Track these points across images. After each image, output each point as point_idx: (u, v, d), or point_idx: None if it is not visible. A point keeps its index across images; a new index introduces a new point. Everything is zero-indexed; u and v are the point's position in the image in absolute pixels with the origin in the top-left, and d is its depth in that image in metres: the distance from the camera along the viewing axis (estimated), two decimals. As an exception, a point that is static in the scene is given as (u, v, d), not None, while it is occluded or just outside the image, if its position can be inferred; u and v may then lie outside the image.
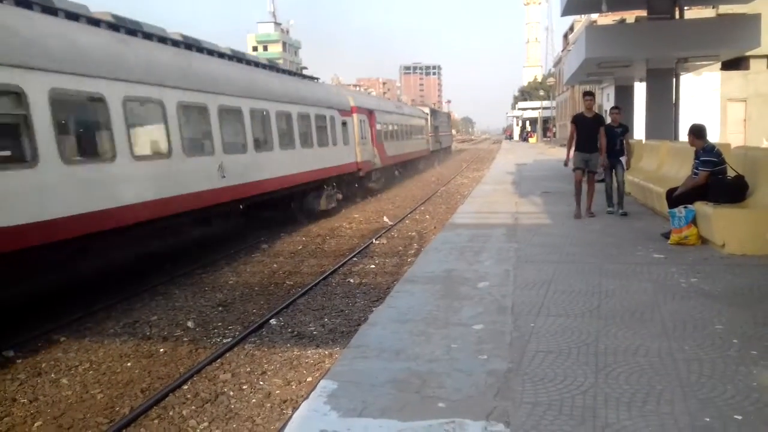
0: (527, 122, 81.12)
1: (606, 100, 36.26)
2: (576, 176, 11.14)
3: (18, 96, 7.33)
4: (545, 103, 70.11)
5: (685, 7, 19.83)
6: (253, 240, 13.98)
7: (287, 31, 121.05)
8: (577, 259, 7.88)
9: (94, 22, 9.74)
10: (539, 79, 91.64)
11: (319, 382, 4.46)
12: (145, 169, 9.75)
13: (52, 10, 8.76)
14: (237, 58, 14.58)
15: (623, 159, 11.34)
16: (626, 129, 11.58)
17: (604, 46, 18.11)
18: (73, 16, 9.21)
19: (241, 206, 13.46)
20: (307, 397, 4.21)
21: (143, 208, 9.53)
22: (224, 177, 11.94)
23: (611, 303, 5.85)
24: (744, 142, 28.21)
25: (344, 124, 20.52)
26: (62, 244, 7.92)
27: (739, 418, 3.55)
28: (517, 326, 5.33)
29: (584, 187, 11.25)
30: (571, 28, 56.29)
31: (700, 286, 6.31)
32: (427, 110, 45.76)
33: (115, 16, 10.48)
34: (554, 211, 12.03)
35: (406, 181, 30.28)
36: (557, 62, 66.46)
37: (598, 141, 10.85)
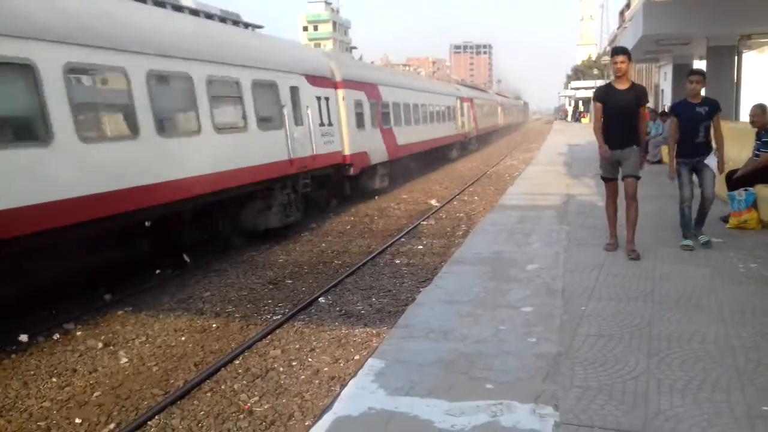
0: (580, 102, 79.27)
1: (663, 79, 35.12)
2: (607, 190, 7.35)
3: None
4: (599, 83, 68.34)
5: (750, -19, 18.98)
6: (303, 219, 14.11)
7: (337, 11, 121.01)
8: (631, 242, 7.70)
9: None
10: (593, 58, 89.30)
11: (366, 360, 4.51)
12: None
13: None
14: None
15: (712, 159, 7.10)
16: (716, 107, 7.03)
17: (663, 22, 17.48)
18: None
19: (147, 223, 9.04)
20: (354, 375, 4.26)
21: None
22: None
23: (665, 287, 5.71)
24: (810, 122, 26.93)
25: (325, 99, 14.38)
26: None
27: (800, 408, 3.43)
28: (567, 309, 5.27)
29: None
30: (628, 5, 54.49)
31: (760, 271, 6.10)
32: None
33: None
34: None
35: (455, 162, 30.03)
36: (612, 40, 64.52)
37: (636, 128, 6.96)
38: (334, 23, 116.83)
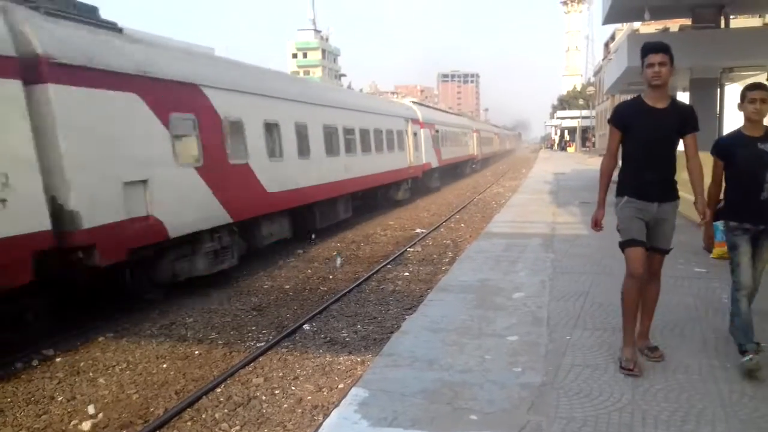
0: (565, 131, 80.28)
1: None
2: (631, 263, 4.53)
3: None
4: (584, 113, 69.28)
5: (731, 16, 19.39)
6: (288, 246, 14.05)
7: (327, 38, 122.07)
8: (616, 271, 7.71)
9: None
10: (579, 88, 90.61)
11: (350, 389, 4.45)
12: None
13: None
14: None
15: None
16: None
17: (647, 54, 17.78)
18: None
19: None
20: (338, 405, 4.21)
21: None
22: None
23: (650, 317, 5.70)
24: (791, 154, 27.33)
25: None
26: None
27: (784, 441, 3.42)
28: (553, 338, 5.25)
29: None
30: (613, 37, 55.60)
31: (744, 302, 6.11)
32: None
33: None
34: (592, 222, 11.83)
35: (443, 189, 30.14)
36: (597, 71, 65.65)
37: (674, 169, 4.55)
38: (324, 51, 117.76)
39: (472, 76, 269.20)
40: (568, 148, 71.07)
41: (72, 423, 5.57)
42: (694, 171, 4.54)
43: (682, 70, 18.30)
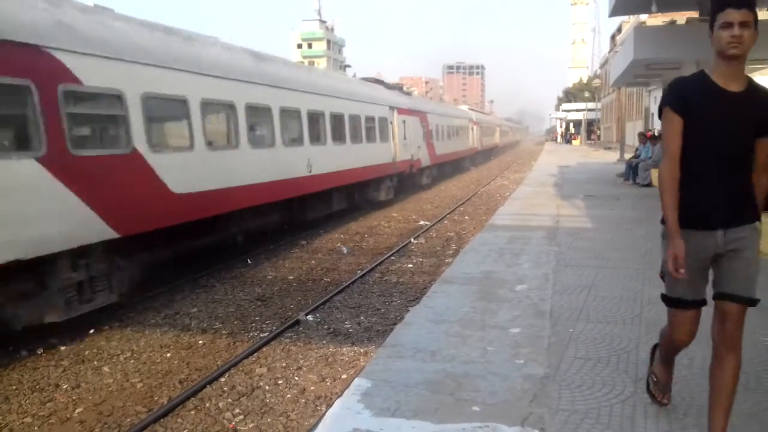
0: (571, 124, 79.99)
1: (654, 103, 35.44)
2: (675, 325, 3.39)
3: None
4: (590, 105, 69.02)
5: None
6: (293, 236, 14.09)
7: (332, 29, 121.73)
8: (620, 264, 7.72)
9: None
10: (585, 81, 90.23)
11: (353, 380, 4.47)
12: None
13: None
14: None
15: None
16: None
17: (653, 47, 17.72)
18: None
19: None
20: (341, 395, 4.23)
21: None
22: None
23: (654, 311, 5.71)
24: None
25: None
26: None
27: (786, 434, 3.42)
28: (556, 331, 5.26)
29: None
30: (619, 29, 55.31)
31: (748, 296, 6.11)
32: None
33: None
34: (597, 215, 11.83)
35: (447, 180, 30.15)
36: (603, 63, 65.37)
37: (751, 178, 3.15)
38: (329, 41, 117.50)
39: (478, 67, 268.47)
40: (573, 141, 70.80)
41: (77, 411, 5.60)
42: (760, 186, 3.22)
43: (688, 63, 18.23)
